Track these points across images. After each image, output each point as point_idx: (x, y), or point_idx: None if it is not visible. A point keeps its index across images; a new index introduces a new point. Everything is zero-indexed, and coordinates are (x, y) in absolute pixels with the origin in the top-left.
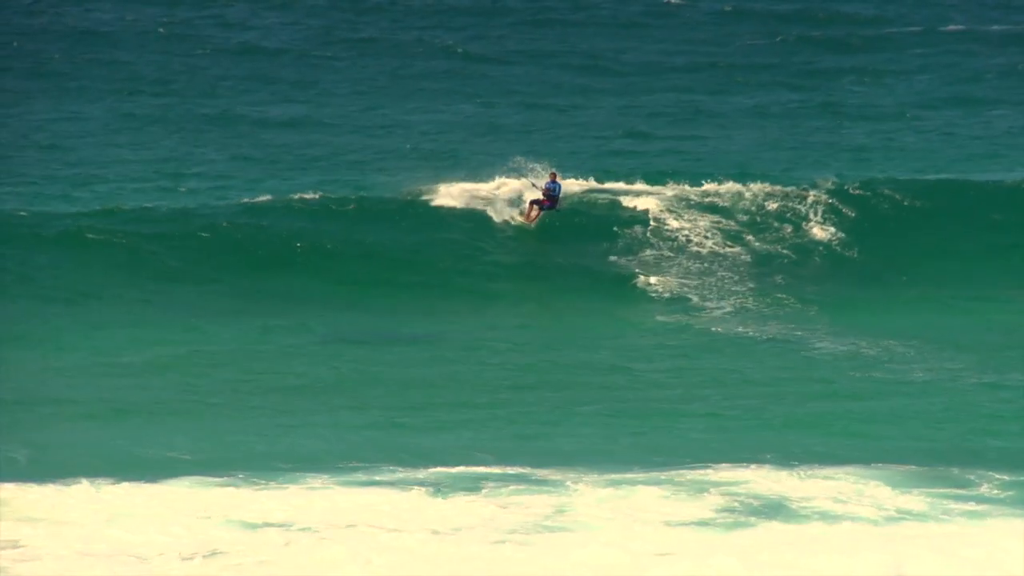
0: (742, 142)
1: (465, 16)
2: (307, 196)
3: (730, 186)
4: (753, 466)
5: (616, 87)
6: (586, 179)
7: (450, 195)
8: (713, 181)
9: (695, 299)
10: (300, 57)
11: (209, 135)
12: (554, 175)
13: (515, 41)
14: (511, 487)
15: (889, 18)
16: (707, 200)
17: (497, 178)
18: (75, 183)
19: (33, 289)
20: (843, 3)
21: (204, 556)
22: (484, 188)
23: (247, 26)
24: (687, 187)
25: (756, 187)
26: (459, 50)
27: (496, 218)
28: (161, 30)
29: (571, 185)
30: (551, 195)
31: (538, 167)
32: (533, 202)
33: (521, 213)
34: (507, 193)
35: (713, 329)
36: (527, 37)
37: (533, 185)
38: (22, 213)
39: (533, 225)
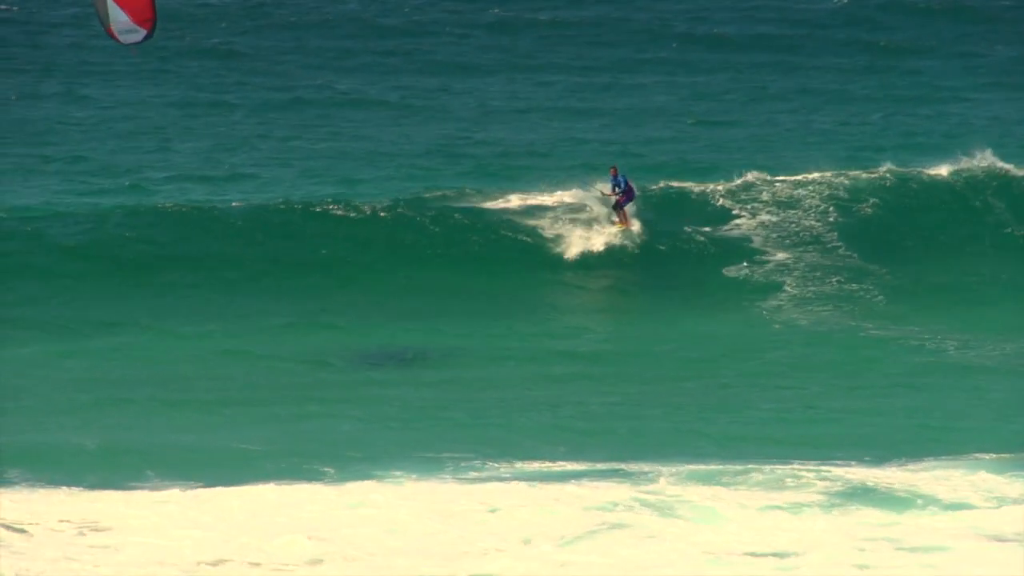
0: (804, 126)
1: None
2: (370, 197)
3: (798, 176)
4: (841, 459)
5: (669, 65)
6: (648, 173)
7: (514, 201)
8: (783, 171)
9: (762, 293)
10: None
11: (258, 123)
12: (615, 170)
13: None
14: (607, 481)
15: None
16: (775, 189)
17: (560, 191)
18: (122, 171)
19: (66, 283)
20: None
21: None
22: (547, 199)
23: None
24: (756, 175)
25: (827, 175)
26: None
27: (561, 230)
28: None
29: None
30: (621, 190)
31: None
32: (615, 208)
33: (614, 223)
34: (572, 204)
35: (784, 322)
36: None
37: (601, 192)
38: (65, 202)
39: (631, 226)
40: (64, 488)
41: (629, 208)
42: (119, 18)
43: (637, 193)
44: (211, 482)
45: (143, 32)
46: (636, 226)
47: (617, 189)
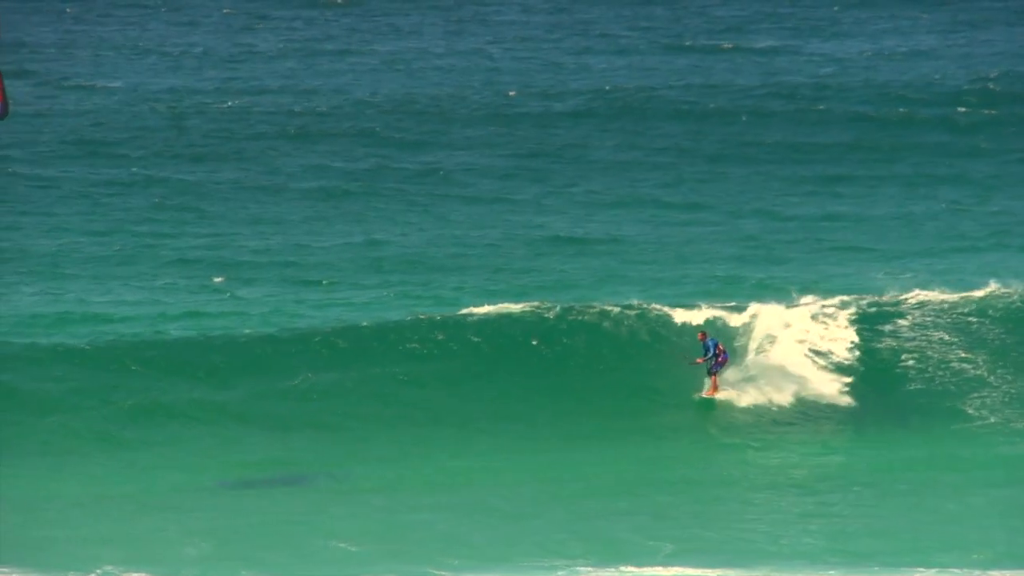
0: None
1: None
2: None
3: (889, 296)
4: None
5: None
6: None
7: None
8: (896, 288)
9: (870, 410)
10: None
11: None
12: (703, 335)
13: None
14: None
15: None
16: (890, 309)
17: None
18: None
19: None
20: None
21: None
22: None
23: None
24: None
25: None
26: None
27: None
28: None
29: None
30: (711, 355)
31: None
32: (708, 373)
33: (706, 389)
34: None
35: (916, 444)
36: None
37: (689, 359)
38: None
39: (717, 394)
40: None
41: (720, 375)
42: None
43: (728, 356)
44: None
45: None
46: (724, 395)
47: (708, 355)
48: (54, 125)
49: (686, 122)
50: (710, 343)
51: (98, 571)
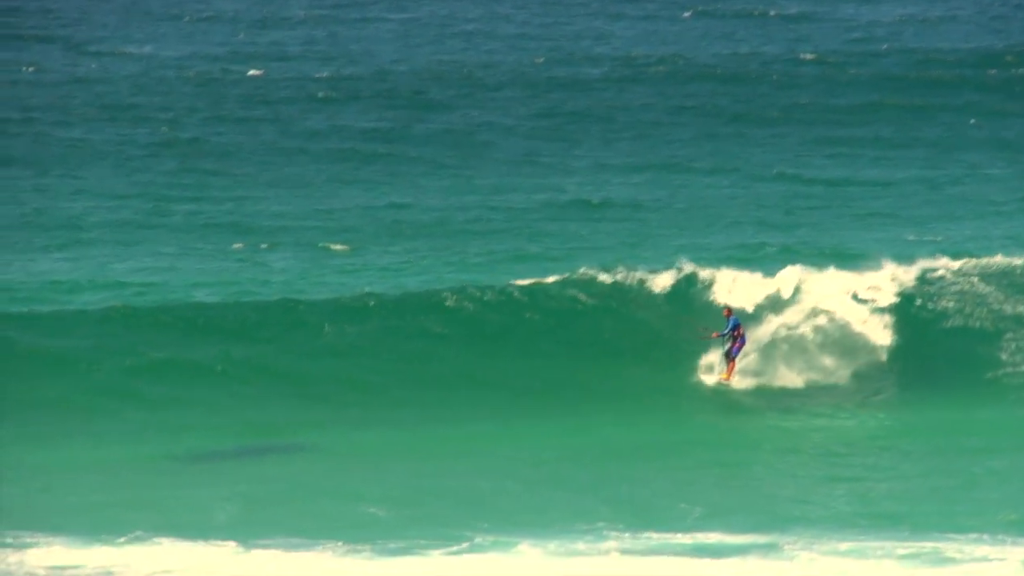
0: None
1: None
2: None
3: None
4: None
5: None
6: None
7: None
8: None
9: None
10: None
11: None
12: (729, 311)
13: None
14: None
15: None
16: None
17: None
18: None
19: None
20: None
21: None
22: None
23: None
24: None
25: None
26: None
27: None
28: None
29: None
30: (727, 333)
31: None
32: (725, 355)
33: (721, 372)
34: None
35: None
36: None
37: (702, 332)
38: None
39: (732, 381)
40: (209, 543)
41: (739, 359)
42: None
43: (745, 342)
44: (348, 539)
45: None
46: (739, 382)
47: (724, 332)
48: (80, 90)
49: (714, 86)
50: (731, 322)
51: (128, 535)
